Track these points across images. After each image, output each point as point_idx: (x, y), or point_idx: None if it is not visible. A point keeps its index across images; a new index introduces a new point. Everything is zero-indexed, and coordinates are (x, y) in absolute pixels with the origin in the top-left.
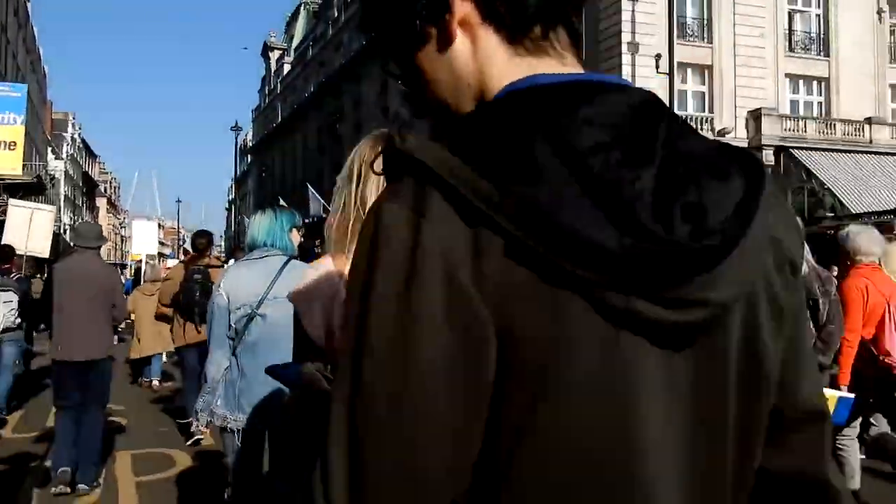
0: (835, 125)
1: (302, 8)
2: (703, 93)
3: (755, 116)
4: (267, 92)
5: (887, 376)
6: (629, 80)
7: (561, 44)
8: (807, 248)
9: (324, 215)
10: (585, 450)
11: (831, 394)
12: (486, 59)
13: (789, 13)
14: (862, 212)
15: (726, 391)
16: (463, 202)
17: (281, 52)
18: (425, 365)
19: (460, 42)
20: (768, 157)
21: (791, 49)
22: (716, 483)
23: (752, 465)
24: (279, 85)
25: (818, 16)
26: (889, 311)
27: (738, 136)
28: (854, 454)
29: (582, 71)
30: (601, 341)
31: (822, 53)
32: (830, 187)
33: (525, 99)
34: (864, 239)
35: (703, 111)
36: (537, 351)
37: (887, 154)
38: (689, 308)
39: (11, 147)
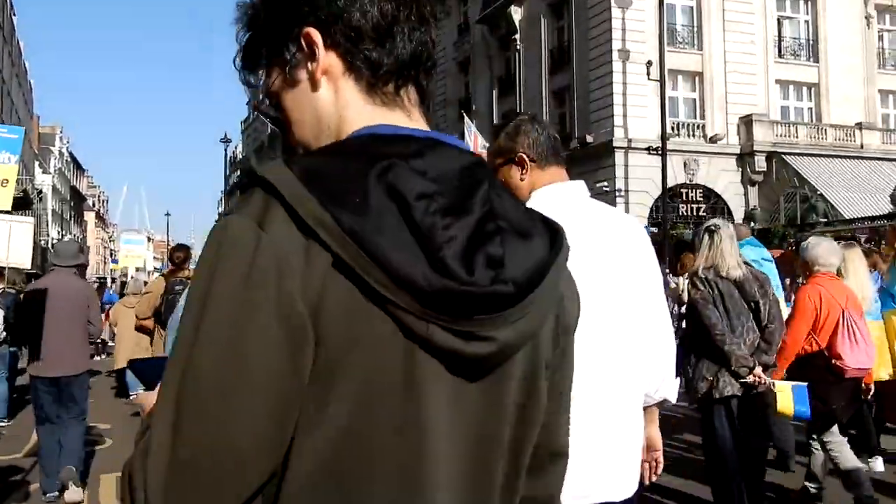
0: (825, 130)
1: None
2: (695, 99)
3: (746, 122)
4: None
5: (840, 380)
6: (620, 87)
7: (410, 100)
8: (739, 253)
9: None
10: (372, 449)
11: (784, 385)
12: (344, 106)
13: (778, 19)
14: (854, 217)
15: (504, 418)
16: (299, 219)
17: None
18: (252, 357)
19: (324, 89)
20: (760, 162)
21: (781, 55)
22: (485, 490)
23: (518, 483)
24: None
25: (807, 22)
26: (844, 318)
27: (730, 143)
28: (847, 455)
29: (426, 127)
30: (402, 360)
31: (811, 59)
32: (823, 193)
33: (370, 143)
34: (823, 249)
35: (695, 118)
36: (344, 358)
37: (878, 159)
38: (479, 342)
39: (4, 184)
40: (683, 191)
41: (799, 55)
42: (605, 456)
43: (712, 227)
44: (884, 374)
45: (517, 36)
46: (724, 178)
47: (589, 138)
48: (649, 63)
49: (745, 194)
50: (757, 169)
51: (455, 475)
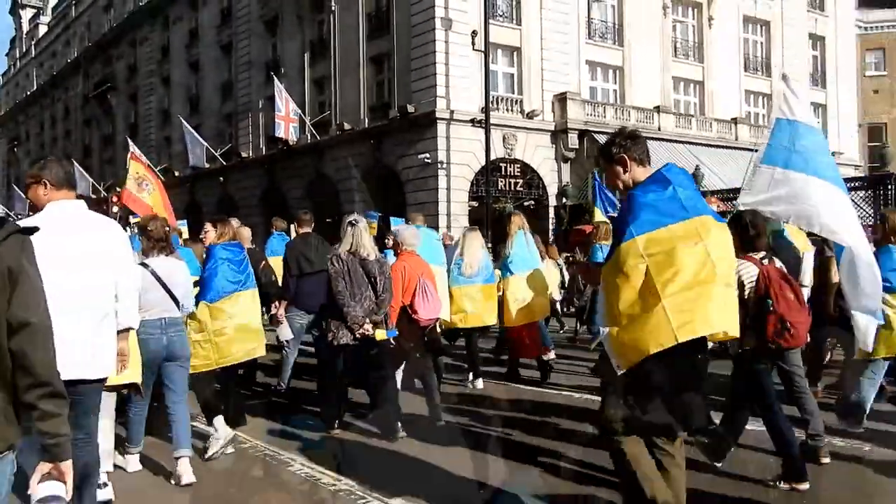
0: (629, 112)
1: None
2: (513, 74)
3: (560, 100)
4: (18, 55)
5: (417, 326)
6: (443, 56)
7: None
8: (371, 240)
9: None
10: None
11: (381, 333)
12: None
13: (588, 2)
14: None
15: None
16: None
17: (35, 10)
18: None
19: None
20: (573, 140)
21: (590, 37)
22: None
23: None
24: (34, 48)
25: (613, 7)
26: (420, 283)
27: (546, 119)
28: (432, 378)
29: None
30: None
31: (616, 43)
32: None
33: None
34: (407, 234)
35: (513, 93)
36: None
37: (673, 141)
38: None
39: None
40: (502, 165)
41: (606, 38)
42: (80, 352)
43: (353, 221)
44: (489, 319)
45: None
46: (539, 154)
47: (410, 108)
48: (474, 33)
49: (559, 170)
50: (570, 146)
51: None
